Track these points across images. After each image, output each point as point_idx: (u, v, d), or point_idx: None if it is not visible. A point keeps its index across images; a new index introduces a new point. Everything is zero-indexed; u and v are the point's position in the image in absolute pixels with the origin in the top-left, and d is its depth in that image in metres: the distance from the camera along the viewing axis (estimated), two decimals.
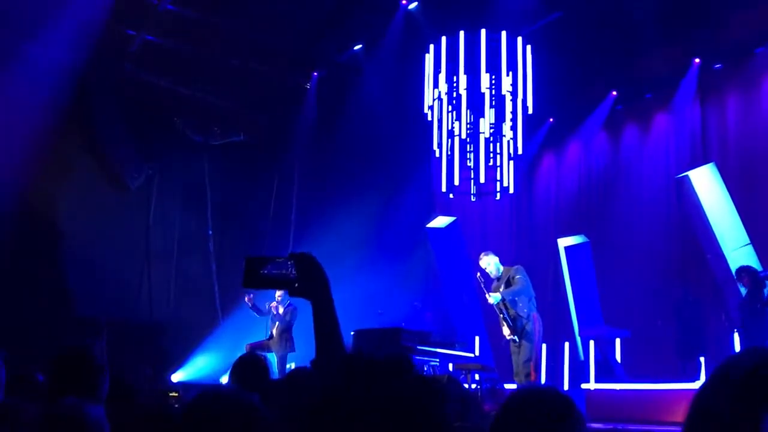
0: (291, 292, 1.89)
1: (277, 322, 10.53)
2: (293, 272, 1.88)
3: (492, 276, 8.64)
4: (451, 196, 10.98)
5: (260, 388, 3.04)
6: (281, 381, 3.05)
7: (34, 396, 2.72)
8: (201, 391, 1.69)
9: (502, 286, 8.40)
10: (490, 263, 8.61)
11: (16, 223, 11.31)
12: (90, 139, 12.62)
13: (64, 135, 11.79)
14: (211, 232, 13.96)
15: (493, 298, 8.32)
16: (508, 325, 8.35)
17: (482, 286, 8.67)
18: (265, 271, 1.90)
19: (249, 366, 3.48)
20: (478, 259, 8.90)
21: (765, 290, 8.75)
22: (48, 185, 12.03)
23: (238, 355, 3.89)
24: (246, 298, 10.70)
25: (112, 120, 12.70)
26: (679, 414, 8.44)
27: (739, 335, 8.91)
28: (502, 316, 8.41)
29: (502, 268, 8.58)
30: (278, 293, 10.56)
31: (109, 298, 12.36)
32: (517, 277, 8.27)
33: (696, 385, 8.57)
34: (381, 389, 1.05)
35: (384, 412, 1.03)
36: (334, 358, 1.80)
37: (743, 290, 9.08)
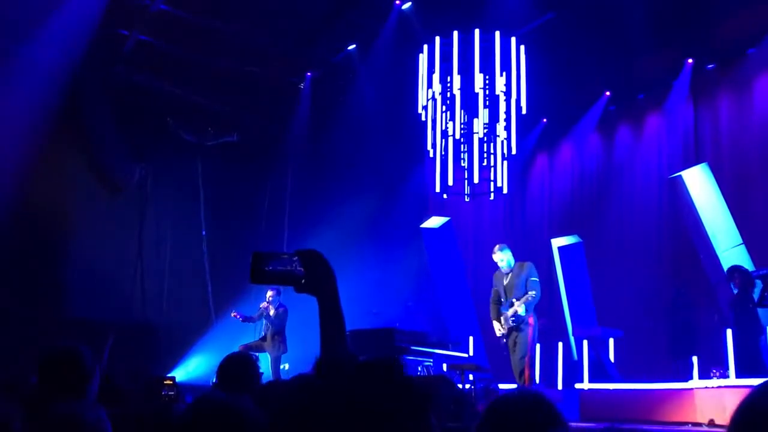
0: (297, 288, 1.87)
1: (268, 324, 10.58)
2: (300, 269, 1.86)
3: (503, 270, 8.49)
4: (444, 196, 10.99)
5: (248, 387, 3.01)
6: (276, 383, 3.03)
7: (25, 399, 2.68)
8: (196, 401, 1.67)
9: (513, 280, 8.25)
10: (503, 259, 8.45)
11: (9, 224, 11.27)
12: (83, 139, 12.57)
13: (57, 136, 11.74)
14: (204, 233, 13.92)
15: (522, 308, 8.07)
16: (505, 321, 8.24)
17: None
18: (272, 267, 1.88)
19: (236, 365, 3.45)
20: (491, 252, 8.68)
21: (756, 290, 8.78)
22: (41, 186, 11.98)
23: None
24: (232, 314, 10.80)
25: (104, 120, 12.66)
26: (672, 413, 8.47)
27: (732, 334, 8.93)
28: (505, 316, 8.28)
29: (513, 262, 8.46)
30: (269, 294, 10.59)
31: (102, 299, 12.33)
32: (533, 279, 8.10)
33: (689, 384, 8.61)
34: (366, 393, 1.03)
35: (367, 416, 1.01)
36: (338, 356, 1.79)
37: (734, 290, 9.12)
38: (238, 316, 10.73)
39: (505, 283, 8.37)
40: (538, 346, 11.77)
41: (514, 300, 8.13)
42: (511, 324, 8.18)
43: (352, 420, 1.01)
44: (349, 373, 1.08)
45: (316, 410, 1.03)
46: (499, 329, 8.39)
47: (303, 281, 1.86)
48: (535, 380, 8.35)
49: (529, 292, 8.05)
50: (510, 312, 8.16)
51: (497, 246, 8.63)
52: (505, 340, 8.36)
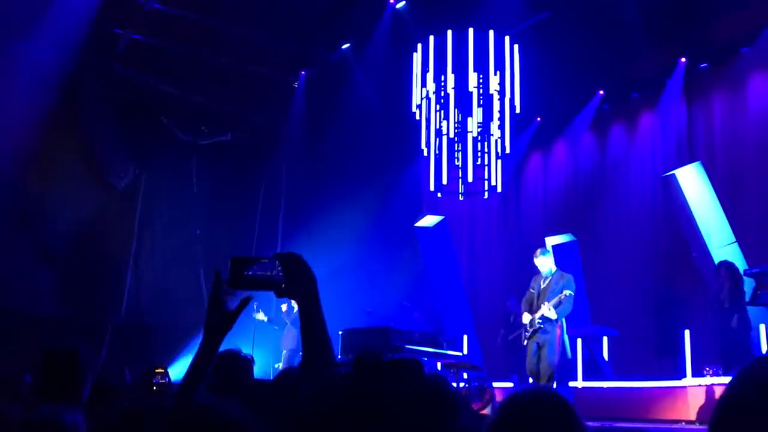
0: (278, 293, 1.83)
1: (286, 320, 11.08)
2: (279, 273, 1.83)
3: (543, 275, 8.36)
4: (439, 195, 11.00)
5: (240, 386, 3.01)
6: (266, 382, 3.03)
7: (20, 398, 2.68)
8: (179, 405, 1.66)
9: (550, 286, 8.15)
10: (544, 264, 8.34)
11: (3, 223, 11.24)
12: (77, 138, 12.54)
13: (52, 135, 11.71)
14: (198, 232, 13.90)
15: (552, 312, 7.96)
16: (530, 323, 8.15)
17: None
18: (251, 272, 1.85)
19: (227, 364, 3.44)
20: (533, 255, 8.54)
21: (746, 287, 8.81)
22: (35, 185, 11.96)
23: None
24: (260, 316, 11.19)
25: (99, 119, 12.63)
26: (666, 411, 8.50)
27: (719, 331, 8.99)
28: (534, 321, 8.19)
29: (554, 269, 8.35)
30: None
31: (95, 298, 12.31)
32: (568, 294, 7.94)
33: (682, 382, 8.64)
34: (397, 394, 1.02)
35: (399, 418, 1.00)
36: (322, 360, 1.77)
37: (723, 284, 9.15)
38: (265, 318, 11.33)
39: (542, 286, 8.26)
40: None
41: (545, 303, 8.02)
42: (537, 326, 8.08)
43: (383, 422, 0.99)
44: (375, 373, 1.06)
45: (342, 412, 1.01)
46: (527, 317, 8.22)
47: (283, 285, 1.82)
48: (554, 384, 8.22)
49: (564, 291, 7.92)
50: (538, 314, 8.06)
51: (539, 250, 8.52)
52: (525, 342, 8.30)
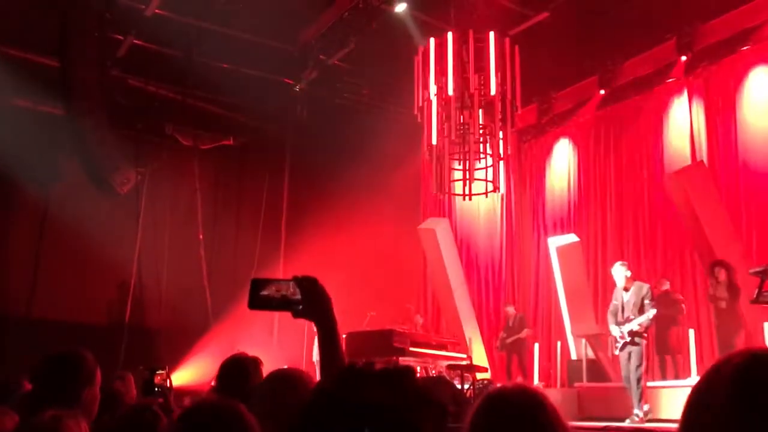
0: (294, 314, 1.91)
1: None
2: (297, 295, 1.91)
3: (618, 285, 8.84)
4: (442, 196, 10.99)
5: (246, 391, 3.00)
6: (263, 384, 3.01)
7: (19, 405, 2.66)
8: (192, 405, 1.70)
9: (632, 298, 8.64)
10: (619, 274, 8.86)
11: (4, 228, 11.25)
12: (79, 144, 12.53)
13: (53, 140, 11.72)
14: (201, 237, 13.89)
15: (641, 327, 8.54)
16: (621, 336, 8.64)
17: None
18: (270, 293, 1.93)
19: (234, 369, 3.43)
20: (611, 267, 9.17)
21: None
22: (36, 191, 11.96)
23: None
24: None
25: (100, 125, 12.62)
26: (671, 411, 8.47)
27: (717, 330, 8.97)
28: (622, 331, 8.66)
29: (631, 281, 8.81)
30: None
31: (98, 303, 12.31)
32: (648, 303, 8.55)
33: (687, 382, 8.61)
34: (386, 402, 1.01)
35: (388, 426, 0.99)
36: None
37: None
38: None
39: (625, 299, 8.72)
40: (536, 345, 11.81)
41: (630, 316, 8.57)
42: (627, 339, 8.58)
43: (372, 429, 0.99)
44: (363, 381, 1.06)
45: (327, 420, 1.01)
46: (616, 330, 8.71)
47: (300, 307, 1.91)
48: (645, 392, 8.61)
49: (651, 310, 8.50)
50: (626, 327, 8.57)
51: (619, 263, 9.05)
52: (618, 352, 8.77)
